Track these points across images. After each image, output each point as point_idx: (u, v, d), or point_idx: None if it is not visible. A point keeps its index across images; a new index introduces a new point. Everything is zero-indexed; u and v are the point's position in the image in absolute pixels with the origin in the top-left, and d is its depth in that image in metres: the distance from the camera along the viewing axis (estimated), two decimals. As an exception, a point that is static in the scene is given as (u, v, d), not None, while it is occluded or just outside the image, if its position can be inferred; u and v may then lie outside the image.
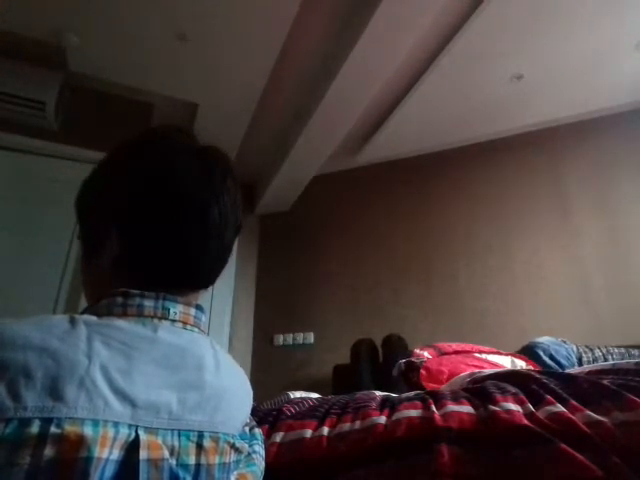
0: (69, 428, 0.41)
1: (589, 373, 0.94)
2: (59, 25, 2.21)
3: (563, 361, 1.94)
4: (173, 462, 0.46)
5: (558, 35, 2.42)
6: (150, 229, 0.58)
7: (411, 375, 1.67)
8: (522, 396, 0.76)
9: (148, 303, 0.55)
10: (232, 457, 0.54)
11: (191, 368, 0.53)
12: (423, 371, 1.62)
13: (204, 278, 0.63)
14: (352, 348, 2.66)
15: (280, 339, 3.22)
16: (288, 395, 1.37)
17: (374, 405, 0.83)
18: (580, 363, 1.98)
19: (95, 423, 0.42)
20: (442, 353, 1.89)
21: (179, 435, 0.48)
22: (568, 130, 3.17)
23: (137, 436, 0.45)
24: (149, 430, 0.46)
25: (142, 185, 0.59)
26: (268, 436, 0.79)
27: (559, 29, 2.38)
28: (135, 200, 0.58)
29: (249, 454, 0.59)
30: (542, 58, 2.57)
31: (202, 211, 0.59)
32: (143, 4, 2.09)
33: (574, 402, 0.72)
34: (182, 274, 0.60)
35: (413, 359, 1.75)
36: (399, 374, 1.74)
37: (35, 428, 0.40)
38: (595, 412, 0.68)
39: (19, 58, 2.35)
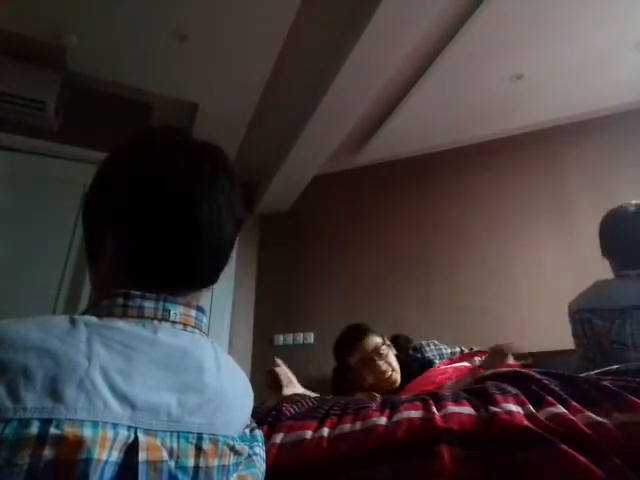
0: (69, 429, 0.41)
1: (589, 374, 0.94)
2: (59, 25, 2.21)
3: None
4: (172, 464, 0.46)
5: (558, 35, 2.41)
6: (141, 230, 0.58)
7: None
8: (523, 397, 0.76)
9: (148, 304, 0.55)
10: (231, 459, 0.53)
11: (191, 370, 0.53)
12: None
13: (203, 276, 0.63)
14: None
15: (280, 339, 3.22)
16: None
17: (374, 406, 0.83)
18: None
19: (94, 424, 0.42)
20: None
21: (178, 437, 0.48)
22: (568, 130, 3.17)
23: (136, 438, 0.45)
24: (148, 432, 0.46)
25: (129, 187, 0.59)
26: (268, 437, 0.79)
27: (559, 29, 2.37)
28: (124, 202, 0.59)
29: (249, 456, 0.59)
30: (542, 58, 2.57)
31: (191, 209, 0.59)
32: (143, 4, 2.09)
33: (575, 403, 0.72)
34: (178, 274, 0.60)
35: None
36: None
37: (35, 429, 0.40)
38: (596, 413, 0.68)
39: (19, 58, 2.34)
